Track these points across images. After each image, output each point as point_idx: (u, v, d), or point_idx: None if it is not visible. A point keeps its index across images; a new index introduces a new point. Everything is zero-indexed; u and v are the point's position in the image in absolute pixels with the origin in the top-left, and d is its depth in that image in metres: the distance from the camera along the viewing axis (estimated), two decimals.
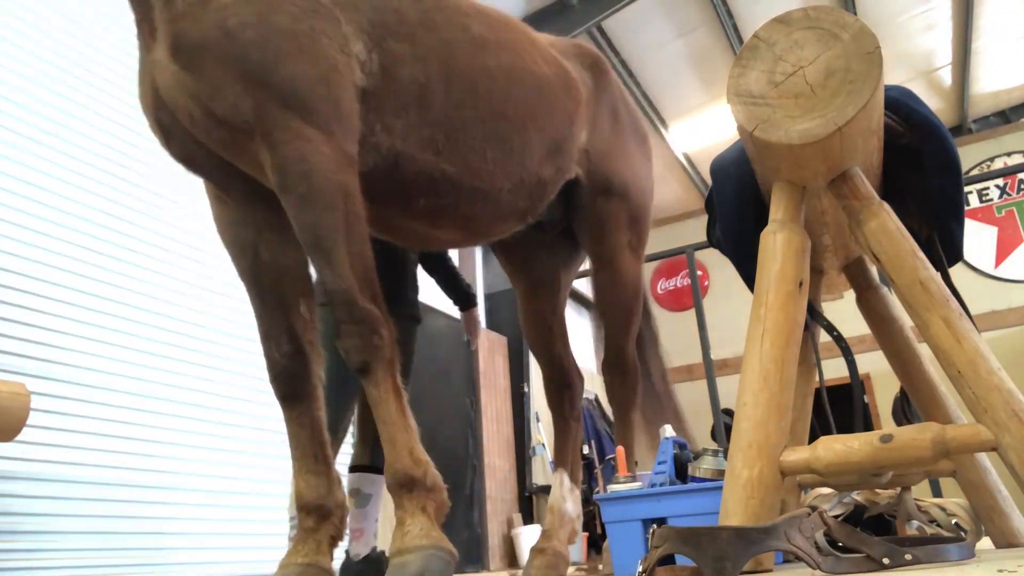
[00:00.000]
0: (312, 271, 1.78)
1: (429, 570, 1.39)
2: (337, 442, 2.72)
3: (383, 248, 1.98)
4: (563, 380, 2.65)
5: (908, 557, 1.13)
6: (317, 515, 1.68)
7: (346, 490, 2.75)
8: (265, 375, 1.81)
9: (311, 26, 1.60)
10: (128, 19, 1.85)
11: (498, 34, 2.07)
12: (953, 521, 1.83)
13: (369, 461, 2.79)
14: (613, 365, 2.52)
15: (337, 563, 1.84)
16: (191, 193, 4.09)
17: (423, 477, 1.51)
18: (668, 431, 1.98)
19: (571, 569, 2.53)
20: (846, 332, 1.66)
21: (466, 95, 1.90)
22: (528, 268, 2.63)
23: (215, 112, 1.54)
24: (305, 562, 1.61)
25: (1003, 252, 8.27)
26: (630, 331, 2.51)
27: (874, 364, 2.69)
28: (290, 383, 1.74)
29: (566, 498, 2.41)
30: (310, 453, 1.72)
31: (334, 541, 1.70)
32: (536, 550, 2.31)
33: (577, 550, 6.68)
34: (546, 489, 6.93)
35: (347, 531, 2.65)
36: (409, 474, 1.50)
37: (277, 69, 1.53)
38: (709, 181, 1.88)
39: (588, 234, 2.44)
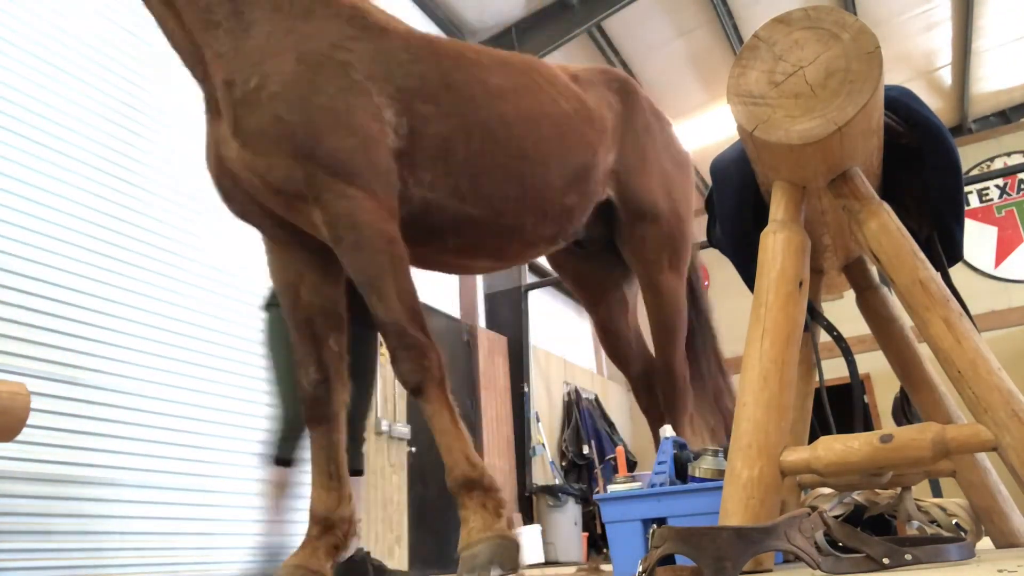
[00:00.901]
0: (343, 310, 2.08)
1: (497, 556, 1.54)
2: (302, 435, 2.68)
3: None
4: (649, 389, 2.82)
5: (908, 557, 1.13)
6: (322, 526, 1.89)
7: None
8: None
9: (348, 102, 1.83)
10: (128, 18, 1.85)
11: (515, 80, 2.26)
12: (953, 521, 1.83)
13: (351, 465, 2.84)
14: (663, 377, 2.66)
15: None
16: (191, 194, 4.09)
17: (480, 478, 1.68)
18: (668, 431, 1.98)
19: (572, 569, 2.54)
20: (846, 332, 1.66)
21: (485, 143, 2.10)
22: (600, 293, 2.86)
23: (272, 183, 1.79)
24: (296, 563, 1.82)
25: (1003, 252, 8.27)
26: (675, 344, 2.65)
27: (874, 364, 2.69)
28: (315, 408, 1.97)
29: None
30: (325, 470, 1.94)
31: (335, 550, 1.90)
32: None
33: (577, 550, 6.68)
34: (546, 489, 6.93)
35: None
36: (468, 476, 1.68)
37: (321, 144, 1.77)
38: (709, 181, 1.87)
39: (631, 257, 2.60)
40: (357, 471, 2.81)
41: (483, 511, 1.64)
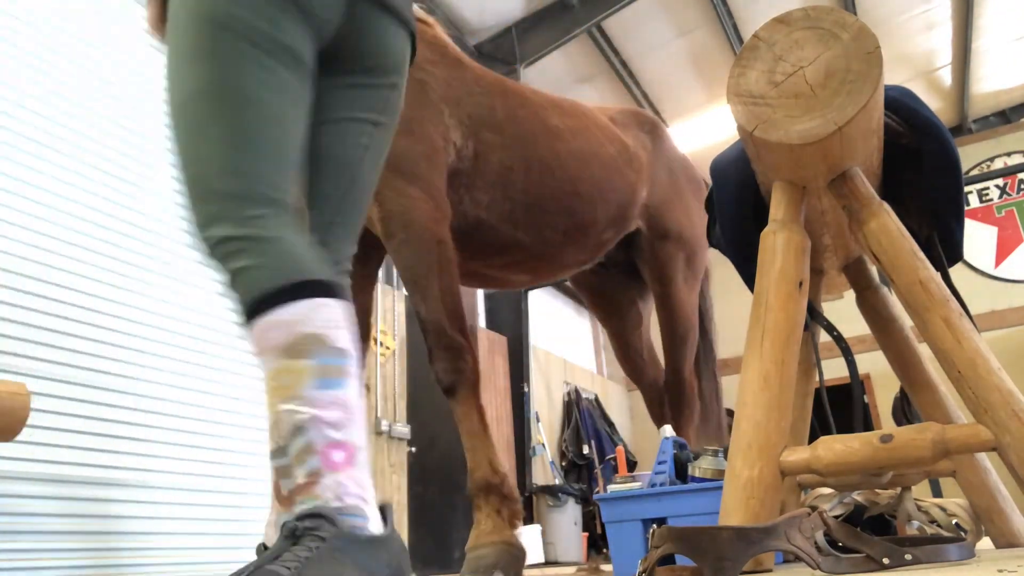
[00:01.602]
0: (371, 322, 2.09)
1: (503, 561, 1.58)
2: None
3: None
4: (661, 400, 2.92)
5: (908, 557, 1.13)
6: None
7: None
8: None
9: (421, 114, 1.91)
10: (129, 16, 1.84)
11: (571, 122, 2.42)
12: (953, 521, 1.83)
13: None
14: (672, 386, 2.80)
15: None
16: None
17: (500, 484, 1.71)
18: (668, 431, 1.98)
19: (572, 569, 2.56)
20: (846, 332, 1.66)
21: (543, 177, 2.22)
22: (611, 307, 2.98)
23: None
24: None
25: (1003, 252, 8.26)
26: (687, 356, 2.80)
27: (874, 364, 2.70)
28: None
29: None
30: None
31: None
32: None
33: (577, 550, 6.68)
34: (546, 489, 6.93)
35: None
36: (488, 480, 1.70)
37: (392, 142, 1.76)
38: (709, 181, 1.88)
39: (649, 274, 2.76)
40: None
41: (496, 516, 1.67)
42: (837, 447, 1.28)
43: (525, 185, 2.18)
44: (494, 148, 2.11)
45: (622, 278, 2.91)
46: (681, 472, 1.86)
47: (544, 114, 2.33)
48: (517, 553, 1.63)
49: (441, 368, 1.78)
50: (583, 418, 8.30)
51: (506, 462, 6.79)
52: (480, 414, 1.79)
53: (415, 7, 2.01)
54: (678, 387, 2.78)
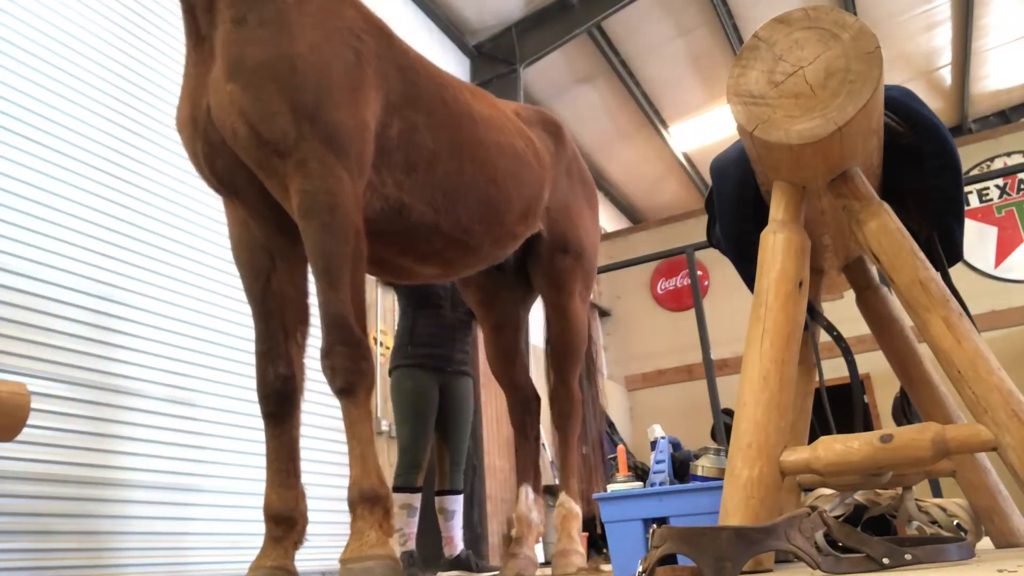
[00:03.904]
0: (308, 303, 1.99)
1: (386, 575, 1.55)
2: (421, 470, 3.58)
3: (433, 315, 2.54)
4: (525, 406, 2.98)
5: (908, 557, 1.13)
6: (285, 524, 1.86)
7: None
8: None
9: (356, 86, 1.82)
10: (128, 17, 1.84)
11: (488, 111, 2.38)
12: (955, 522, 1.83)
13: (450, 485, 3.86)
14: (561, 397, 2.83)
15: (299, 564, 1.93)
16: (192, 193, 4.10)
17: (386, 497, 1.66)
18: (658, 430, 1.99)
19: (572, 569, 2.58)
20: (846, 332, 1.66)
21: (466, 163, 2.18)
22: (495, 308, 2.97)
23: (262, 133, 1.70)
24: (274, 565, 1.79)
25: (1003, 252, 8.26)
26: (577, 369, 2.86)
27: (874, 364, 2.70)
28: (279, 403, 1.93)
29: (531, 508, 2.77)
30: (284, 468, 1.91)
31: (296, 547, 1.88)
32: (509, 554, 2.63)
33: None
34: (546, 489, 6.92)
35: (408, 533, 3.34)
36: (377, 492, 1.65)
37: (326, 110, 1.73)
38: (709, 181, 1.88)
39: (546, 284, 2.75)
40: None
41: (379, 529, 1.62)
42: (837, 447, 1.28)
43: (448, 170, 2.11)
44: (419, 128, 2.03)
45: (511, 280, 2.89)
46: (678, 471, 1.86)
47: (468, 98, 2.28)
48: (397, 568, 1.59)
49: (341, 366, 1.67)
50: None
51: (506, 462, 6.78)
52: (371, 420, 1.70)
53: None
54: (568, 398, 2.81)
